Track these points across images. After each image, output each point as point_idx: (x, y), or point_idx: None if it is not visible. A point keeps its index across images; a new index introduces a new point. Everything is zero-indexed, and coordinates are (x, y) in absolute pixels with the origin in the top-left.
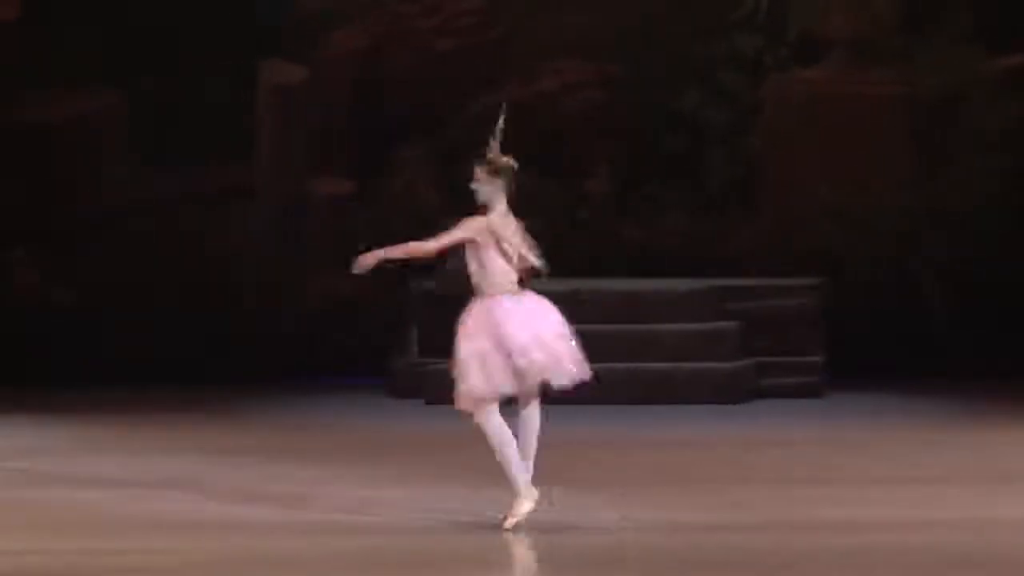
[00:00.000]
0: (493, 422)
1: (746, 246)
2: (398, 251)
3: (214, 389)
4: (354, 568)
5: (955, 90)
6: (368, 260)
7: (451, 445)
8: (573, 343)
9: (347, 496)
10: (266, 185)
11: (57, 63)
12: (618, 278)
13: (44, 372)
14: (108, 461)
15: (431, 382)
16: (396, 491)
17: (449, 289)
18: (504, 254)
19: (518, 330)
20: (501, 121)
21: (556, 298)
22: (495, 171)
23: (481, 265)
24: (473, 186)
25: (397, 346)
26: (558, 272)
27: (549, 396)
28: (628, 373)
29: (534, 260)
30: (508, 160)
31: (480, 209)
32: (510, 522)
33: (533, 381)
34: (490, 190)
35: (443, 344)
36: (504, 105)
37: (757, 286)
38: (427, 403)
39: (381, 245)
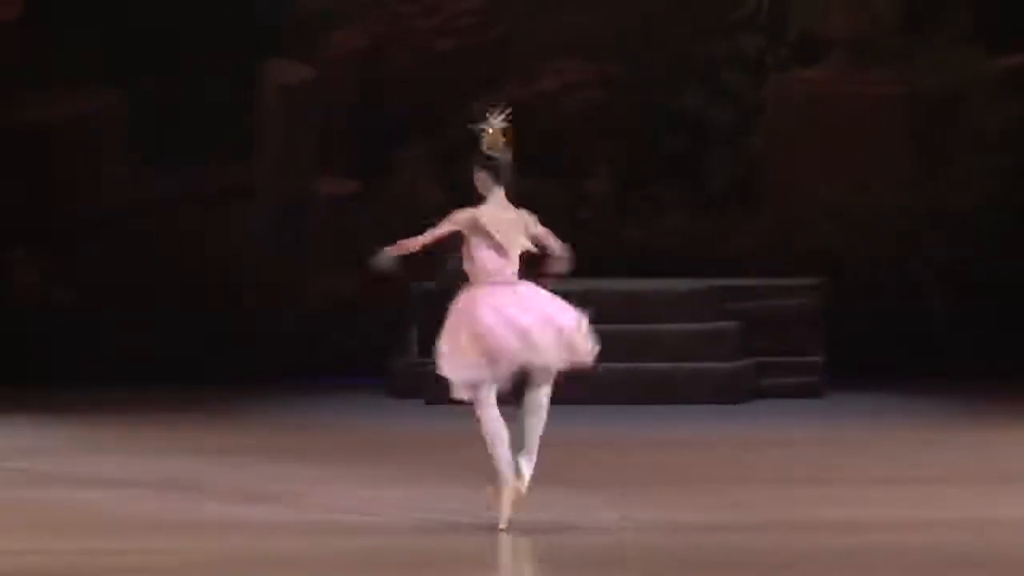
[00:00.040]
0: (486, 415)
1: (746, 246)
2: (394, 249)
3: (214, 389)
4: (354, 568)
5: (955, 90)
6: (386, 258)
7: (451, 445)
8: (576, 333)
9: (347, 496)
10: (266, 185)
11: (57, 63)
12: (618, 278)
13: (44, 372)
14: (108, 461)
15: (431, 382)
16: (396, 491)
17: (449, 288)
18: (495, 246)
19: (487, 312)
20: (491, 116)
21: (568, 298)
22: (482, 161)
23: (470, 257)
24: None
25: (397, 346)
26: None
27: (561, 382)
28: (628, 373)
29: (554, 244)
30: (495, 150)
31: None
32: (501, 522)
33: (507, 363)
34: (481, 181)
35: None
36: (490, 105)
37: (757, 286)
38: (427, 403)
39: (382, 245)
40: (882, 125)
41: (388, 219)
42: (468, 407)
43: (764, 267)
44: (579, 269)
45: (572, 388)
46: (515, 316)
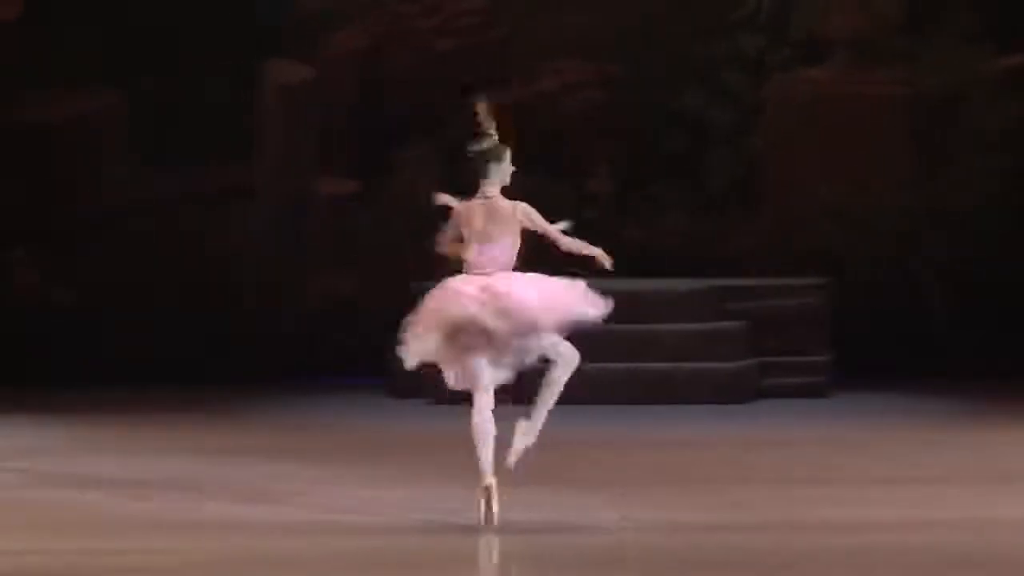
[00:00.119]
0: (475, 408)
1: (746, 246)
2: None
3: (214, 389)
4: (354, 568)
5: (956, 90)
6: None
7: (451, 445)
8: (564, 292)
9: (347, 496)
10: (266, 185)
11: (57, 63)
12: (618, 278)
13: (44, 372)
14: (108, 461)
15: (431, 382)
16: (396, 491)
17: None
18: (477, 237)
19: (448, 292)
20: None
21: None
22: (467, 155)
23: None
24: None
25: (397, 346)
26: (558, 272)
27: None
28: (628, 373)
29: (557, 236)
30: (478, 144)
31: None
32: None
33: (480, 334)
34: (473, 174)
35: None
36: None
37: (758, 286)
38: (427, 403)
39: (383, 245)
40: (882, 125)
41: (388, 219)
42: (468, 408)
43: (764, 267)
44: (579, 269)
45: (572, 388)
46: (476, 290)
